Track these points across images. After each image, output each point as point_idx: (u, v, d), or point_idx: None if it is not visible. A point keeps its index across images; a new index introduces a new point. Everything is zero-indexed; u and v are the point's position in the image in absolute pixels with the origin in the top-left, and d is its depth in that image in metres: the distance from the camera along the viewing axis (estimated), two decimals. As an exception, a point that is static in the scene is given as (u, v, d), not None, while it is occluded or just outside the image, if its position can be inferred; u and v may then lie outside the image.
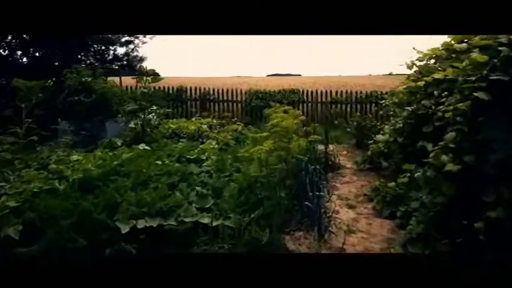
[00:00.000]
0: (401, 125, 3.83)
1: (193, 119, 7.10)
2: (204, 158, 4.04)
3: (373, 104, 9.19)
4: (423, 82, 3.33)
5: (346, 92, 9.69)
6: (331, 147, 5.82)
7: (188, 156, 4.00)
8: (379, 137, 4.30)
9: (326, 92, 9.80)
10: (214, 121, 6.82)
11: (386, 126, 4.99)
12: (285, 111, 5.12)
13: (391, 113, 4.50)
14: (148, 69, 5.15)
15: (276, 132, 2.99)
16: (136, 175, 3.39)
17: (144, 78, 5.05)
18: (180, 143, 4.99)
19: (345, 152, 6.00)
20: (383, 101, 5.86)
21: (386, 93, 9.19)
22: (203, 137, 5.24)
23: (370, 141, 4.87)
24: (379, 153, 4.98)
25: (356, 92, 9.66)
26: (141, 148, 4.47)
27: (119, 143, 4.66)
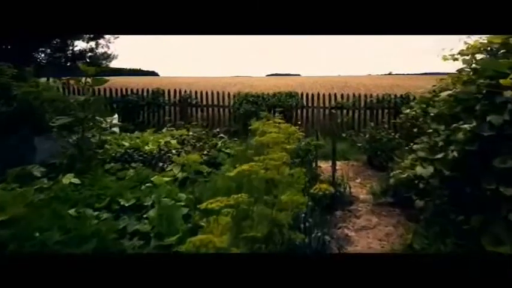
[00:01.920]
0: (455, 154, 2.44)
1: (164, 130, 5.67)
2: (150, 202, 2.62)
3: (386, 110, 7.75)
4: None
5: (354, 95, 8.23)
6: (338, 164, 4.47)
7: (123, 203, 2.59)
8: (420, 169, 2.92)
9: (329, 95, 8.34)
10: (191, 133, 5.40)
11: (416, 146, 3.61)
12: (278, 125, 3.95)
13: (431, 130, 3.09)
14: (90, 66, 3.71)
15: (250, 185, 1.60)
16: (17, 247, 1.98)
17: (83, 79, 3.66)
18: (131, 170, 3.57)
19: (358, 180, 4.58)
20: (408, 111, 4.44)
21: (401, 96, 7.80)
22: (165, 160, 3.83)
23: (395, 166, 3.48)
24: (407, 183, 3.60)
25: (365, 96, 8.18)
26: (66, 182, 3.07)
27: (38, 174, 3.24)
